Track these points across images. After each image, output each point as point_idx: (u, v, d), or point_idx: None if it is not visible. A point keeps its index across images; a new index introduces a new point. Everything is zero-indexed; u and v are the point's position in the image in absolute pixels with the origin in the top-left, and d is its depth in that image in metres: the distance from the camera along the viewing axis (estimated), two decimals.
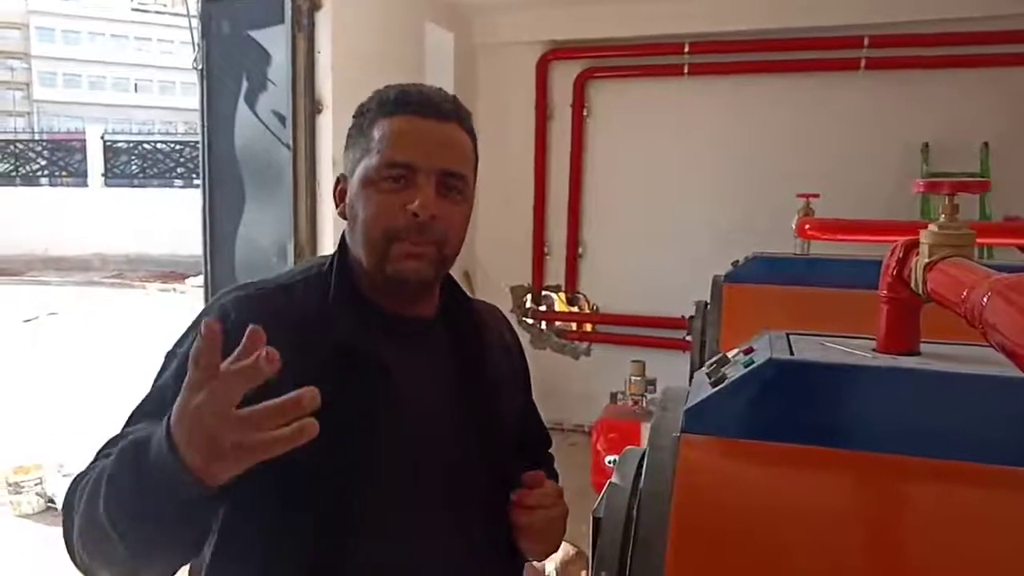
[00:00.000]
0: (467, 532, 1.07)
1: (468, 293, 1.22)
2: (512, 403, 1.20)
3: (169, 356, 1.05)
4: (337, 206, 1.13)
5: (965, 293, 0.72)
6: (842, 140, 4.61)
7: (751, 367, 0.84)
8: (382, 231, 1.03)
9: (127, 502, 0.82)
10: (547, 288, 5.36)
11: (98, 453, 0.97)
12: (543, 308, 5.40)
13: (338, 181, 1.13)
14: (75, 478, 0.94)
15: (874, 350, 0.93)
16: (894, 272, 0.94)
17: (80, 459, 0.99)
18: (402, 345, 1.08)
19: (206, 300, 3.25)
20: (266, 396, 0.78)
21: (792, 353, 0.89)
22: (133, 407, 1.02)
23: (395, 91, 1.09)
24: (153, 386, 1.03)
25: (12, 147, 17.19)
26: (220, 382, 0.75)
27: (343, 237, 1.12)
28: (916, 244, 0.93)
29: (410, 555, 1.02)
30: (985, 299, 0.66)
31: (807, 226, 2.56)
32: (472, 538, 1.08)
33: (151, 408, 0.98)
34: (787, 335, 0.97)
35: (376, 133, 1.06)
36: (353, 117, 1.11)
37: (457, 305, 1.17)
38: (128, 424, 1.00)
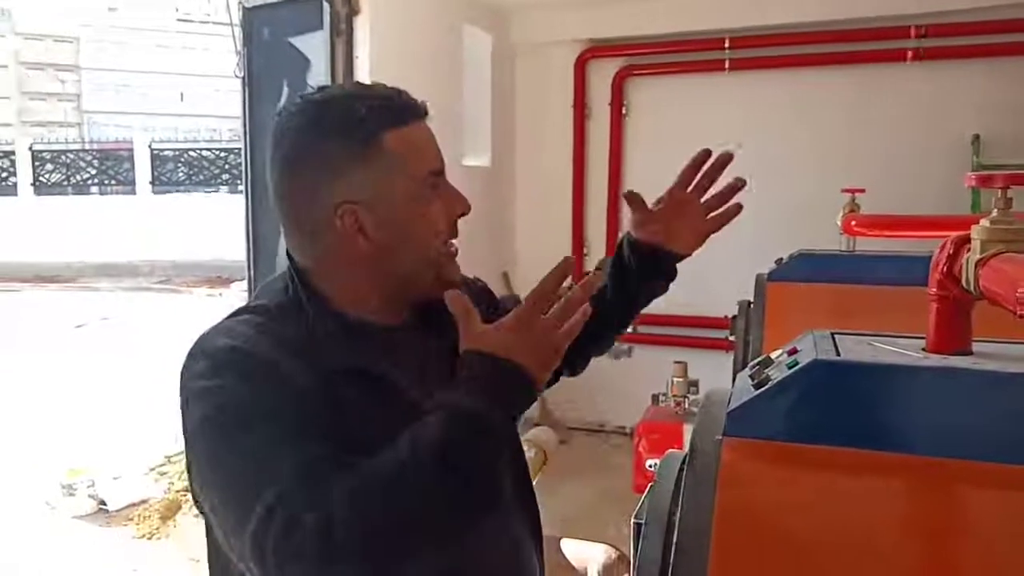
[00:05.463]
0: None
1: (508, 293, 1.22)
2: None
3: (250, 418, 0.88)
4: (353, 239, 1.00)
5: (1021, 291, 0.69)
6: (889, 134, 4.51)
7: (795, 368, 0.81)
8: (443, 240, 1.06)
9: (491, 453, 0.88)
10: None
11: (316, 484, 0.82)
12: None
13: (340, 212, 0.98)
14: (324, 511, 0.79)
15: (923, 350, 0.90)
16: (944, 269, 0.91)
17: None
18: (399, 355, 1.06)
19: None
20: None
21: (838, 353, 0.86)
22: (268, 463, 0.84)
23: (384, 99, 1.02)
24: (263, 443, 0.86)
25: (63, 157, 17.70)
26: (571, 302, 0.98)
27: (294, 269, 1.04)
28: (967, 240, 0.89)
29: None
30: None
31: (853, 222, 2.50)
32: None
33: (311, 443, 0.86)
34: (832, 335, 0.94)
35: (396, 146, 1.00)
36: (335, 136, 0.99)
37: None
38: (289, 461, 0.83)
